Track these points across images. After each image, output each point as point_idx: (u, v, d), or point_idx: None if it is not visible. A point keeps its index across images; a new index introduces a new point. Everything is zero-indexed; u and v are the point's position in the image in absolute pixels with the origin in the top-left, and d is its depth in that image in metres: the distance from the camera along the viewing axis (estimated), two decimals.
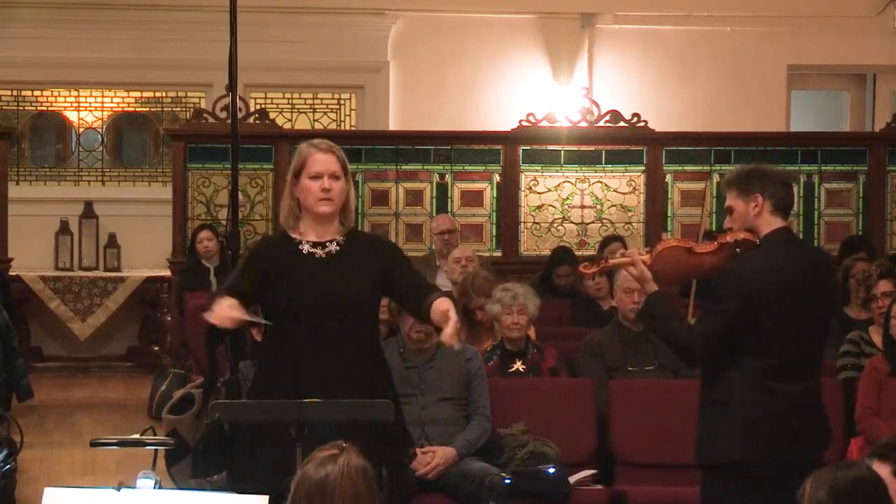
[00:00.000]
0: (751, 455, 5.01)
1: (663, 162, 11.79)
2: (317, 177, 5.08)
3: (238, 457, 5.08)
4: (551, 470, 6.52)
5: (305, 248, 5.11)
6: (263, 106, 12.55)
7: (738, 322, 5.00)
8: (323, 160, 5.10)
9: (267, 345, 5.20)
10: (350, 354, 5.01)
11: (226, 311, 4.82)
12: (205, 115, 11.51)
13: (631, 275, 5.26)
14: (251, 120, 11.47)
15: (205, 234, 10.75)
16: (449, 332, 4.86)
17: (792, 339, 5.03)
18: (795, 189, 11.51)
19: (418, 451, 6.47)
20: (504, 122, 12.22)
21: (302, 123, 13.31)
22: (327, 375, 4.88)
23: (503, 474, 6.44)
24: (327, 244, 5.11)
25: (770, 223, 5.09)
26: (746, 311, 4.98)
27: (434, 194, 11.72)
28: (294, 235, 5.15)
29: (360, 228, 11.33)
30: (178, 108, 13.33)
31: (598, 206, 11.79)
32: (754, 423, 5.00)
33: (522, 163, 11.74)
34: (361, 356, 5.04)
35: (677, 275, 5.28)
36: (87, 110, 13.30)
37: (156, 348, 12.48)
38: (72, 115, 13.30)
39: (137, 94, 13.36)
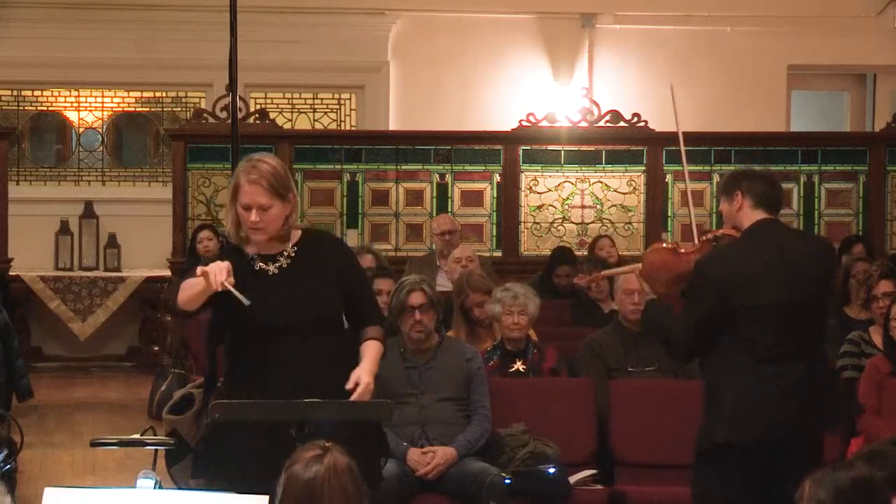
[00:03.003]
0: (733, 436, 5.08)
1: (663, 162, 11.79)
2: (246, 208, 4.94)
3: (222, 460, 5.06)
4: (551, 470, 6.53)
5: (258, 264, 5.01)
6: (263, 106, 12.55)
7: (714, 311, 5.07)
8: (249, 192, 4.92)
9: (231, 361, 5.10)
10: (313, 368, 4.89)
11: (221, 275, 4.70)
12: (205, 115, 11.51)
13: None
14: (251, 120, 11.47)
15: (205, 233, 10.76)
16: (354, 395, 4.80)
17: (776, 324, 5.08)
18: (794, 189, 11.76)
19: (418, 450, 6.48)
20: (504, 122, 12.22)
21: (302, 123, 13.32)
22: (290, 391, 4.75)
23: (503, 474, 6.44)
24: (277, 257, 5.01)
25: (751, 217, 5.17)
26: (719, 298, 5.06)
27: (434, 194, 11.71)
28: (245, 249, 5.04)
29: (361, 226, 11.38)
30: (178, 108, 13.33)
31: (598, 206, 11.79)
32: (740, 406, 5.07)
33: (522, 163, 11.74)
34: (324, 369, 4.91)
35: (666, 276, 5.33)
36: (87, 110, 13.30)
37: (156, 348, 12.47)
38: (72, 115, 13.30)
39: (137, 94, 13.36)
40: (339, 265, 5.09)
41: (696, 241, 5.36)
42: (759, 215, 5.16)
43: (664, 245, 5.33)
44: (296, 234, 5.09)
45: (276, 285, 4.99)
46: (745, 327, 5.07)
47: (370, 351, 5.00)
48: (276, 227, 4.99)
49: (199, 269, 4.80)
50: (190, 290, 4.90)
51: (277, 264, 5.02)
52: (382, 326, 5.16)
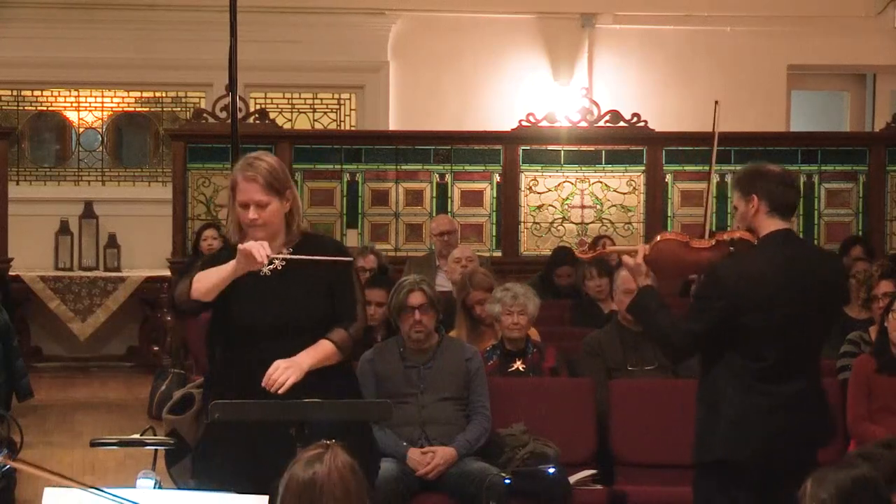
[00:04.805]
0: (735, 454, 5.03)
1: (663, 162, 11.79)
2: (244, 206, 4.95)
3: (200, 460, 5.08)
4: (551, 470, 6.53)
5: None
6: (263, 106, 12.55)
7: (723, 322, 5.01)
8: (246, 190, 4.94)
9: (218, 363, 5.12)
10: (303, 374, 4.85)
11: (266, 249, 4.74)
12: (205, 115, 11.51)
13: (627, 266, 5.26)
14: (251, 120, 11.47)
15: (210, 231, 10.79)
16: (264, 380, 4.79)
17: (781, 341, 5.02)
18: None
19: (418, 450, 6.48)
20: (504, 121, 12.22)
21: (302, 123, 13.32)
22: (271, 393, 4.76)
23: (503, 474, 6.44)
24: (273, 260, 4.97)
25: (767, 224, 5.09)
26: (730, 312, 5.00)
27: (434, 194, 11.72)
28: None
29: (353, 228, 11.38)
30: (178, 108, 13.33)
31: (598, 206, 11.79)
32: (739, 423, 5.02)
33: (522, 163, 11.74)
34: (312, 375, 4.86)
35: (673, 267, 5.30)
36: (87, 110, 13.30)
37: (156, 348, 12.47)
38: (72, 115, 13.30)
39: (137, 94, 13.36)
40: (329, 271, 5.03)
41: (707, 238, 5.30)
42: (774, 223, 5.09)
43: (678, 236, 5.26)
44: (295, 237, 5.07)
45: (267, 287, 4.98)
46: (751, 342, 5.01)
47: (315, 346, 4.92)
48: (275, 225, 4.98)
49: (240, 247, 4.79)
50: (213, 278, 4.88)
51: (272, 266, 4.99)
52: (350, 333, 5.03)
